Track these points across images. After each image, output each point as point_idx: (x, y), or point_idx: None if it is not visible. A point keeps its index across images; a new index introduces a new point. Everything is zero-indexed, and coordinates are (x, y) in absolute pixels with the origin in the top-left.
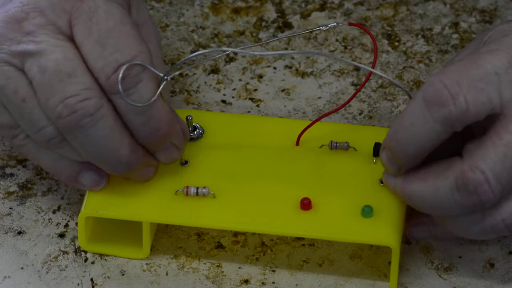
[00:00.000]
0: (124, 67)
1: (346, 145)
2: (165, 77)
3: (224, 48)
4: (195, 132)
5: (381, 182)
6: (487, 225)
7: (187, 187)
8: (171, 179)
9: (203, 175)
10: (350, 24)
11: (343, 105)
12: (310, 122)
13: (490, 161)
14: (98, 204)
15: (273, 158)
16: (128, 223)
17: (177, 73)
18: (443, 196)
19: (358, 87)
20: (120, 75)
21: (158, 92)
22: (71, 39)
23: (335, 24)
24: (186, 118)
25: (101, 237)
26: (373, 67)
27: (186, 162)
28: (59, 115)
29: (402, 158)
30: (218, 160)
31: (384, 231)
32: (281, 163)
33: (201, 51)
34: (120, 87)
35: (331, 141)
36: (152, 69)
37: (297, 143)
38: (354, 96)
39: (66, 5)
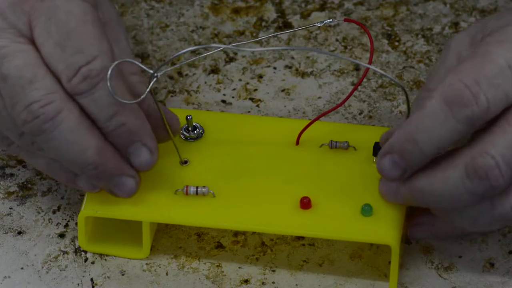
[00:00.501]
0: (112, 66)
1: (346, 144)
2: (155, 74)
3: (214, 45)
4: (195, 132)
5: None
6: (496, 214)
7: (187, 186)
8: (171, 178)
9: (203, 175)
10: (346, 20)
11: (342, 102)
12: (310, 121)
13: (499, 147)
14: (98, 204)
15: (273, 158)
16: (128, 223)
17: (168, 70)
18: (454, 186)
19: (358, 87)
20: (109, 72)
21: (148, 89)
22: (32, 41)
23: (331, 20)
24: (186, 118)
25: (101, 237)
26: (369, 63)
27: (186, 162)
28: (23, 121)
29: (418, 159)
30: (218, 160)
31: (384, 230)
32: (281, 162)
33: (189, 48)
34: (108, 84)
35: (331, 141)
36: (143, 66)
37: (297, 143)
38: (352, 92)
39: (26, 6)
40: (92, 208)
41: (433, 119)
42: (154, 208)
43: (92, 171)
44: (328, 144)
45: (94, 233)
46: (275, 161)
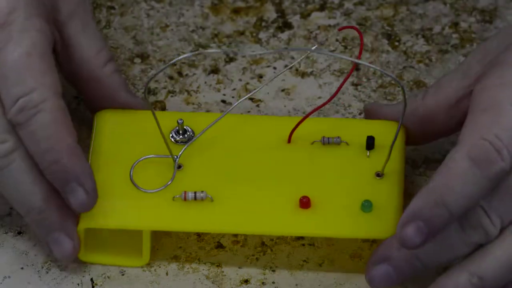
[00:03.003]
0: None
1: (338, 139)
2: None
3: (211, 50)
4: (186, 135)
5: (377, 175)
6: None
7: (185, 192)
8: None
9: (198, 179)
10: (340, 29)
11: (331, 98)
12: (301, 118)
13: None
14: (97, 215)
15: (267, 157)
16: (126, 230)
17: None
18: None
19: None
20: None
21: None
22: None
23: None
24: (177, 122)
25: (99, 246)
26: (359, 57)
27: (179, 167)
28: None
29: (445, 221)
30: (212, 163)
31: (385, 225)
32: (275, 162)
33: (189, 54)
34: None
35: (323, 137)
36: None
37: (289, 141)
38: (340, 87)
39: None
40: (90, 219)
41: (462, 179)
42: (155, 216)
43: (35, 216)
44: (320, 140)
45: (91, 243)
46: (270, 161)
